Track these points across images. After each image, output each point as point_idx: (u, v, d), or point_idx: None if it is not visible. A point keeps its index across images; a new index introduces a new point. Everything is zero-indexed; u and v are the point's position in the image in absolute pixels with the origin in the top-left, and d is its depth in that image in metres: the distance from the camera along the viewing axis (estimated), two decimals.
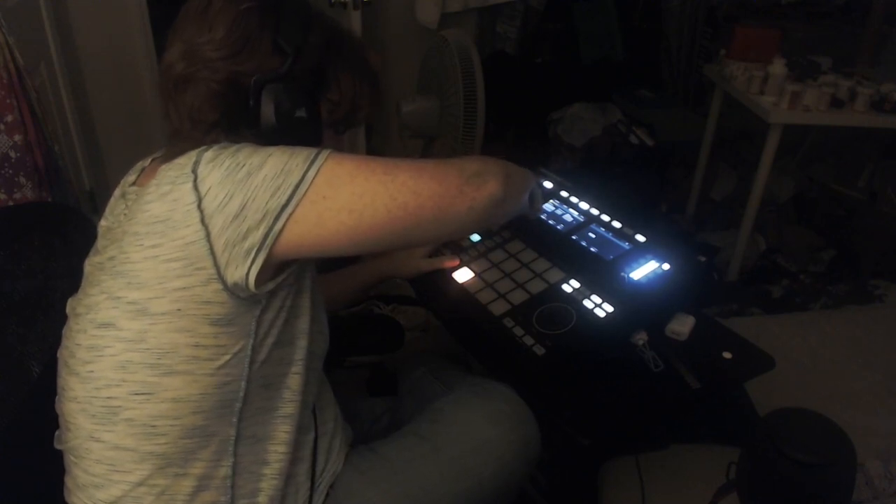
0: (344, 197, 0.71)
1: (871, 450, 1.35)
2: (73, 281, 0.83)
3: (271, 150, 0.72)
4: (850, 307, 2.24)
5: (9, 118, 1.38)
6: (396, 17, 2.79)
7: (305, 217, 0.70)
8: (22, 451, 0.90)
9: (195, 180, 0.69)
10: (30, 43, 1.63)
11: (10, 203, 1.40)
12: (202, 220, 0.68)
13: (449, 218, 0.77)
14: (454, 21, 2.78)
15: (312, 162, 0.70)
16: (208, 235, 0.68)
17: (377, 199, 0.72)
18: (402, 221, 0.73)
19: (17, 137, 1.40)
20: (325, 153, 0.72)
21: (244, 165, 0.69)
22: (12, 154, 1.40)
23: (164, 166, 0.74)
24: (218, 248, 0.69)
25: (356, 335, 1.44)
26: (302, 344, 0.83)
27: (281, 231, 0.69)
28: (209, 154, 0.71)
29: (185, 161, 0.72)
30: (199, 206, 0.68)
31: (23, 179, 1.42)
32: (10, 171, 1.40)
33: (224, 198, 0.68)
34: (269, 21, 0.78)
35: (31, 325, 0.94)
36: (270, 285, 0.74)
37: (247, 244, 0.69)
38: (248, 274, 0.70)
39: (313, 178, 0.70)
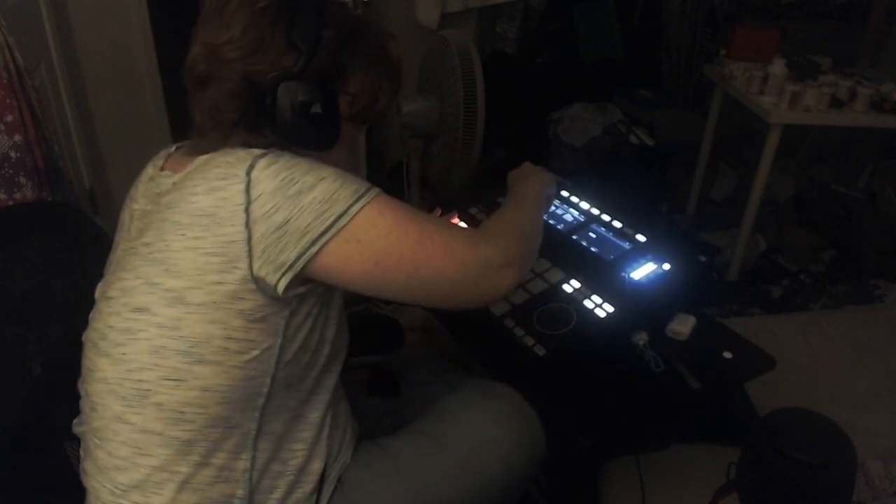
0: (374, 249, 0.75)
1: (871, 450, 1.35)
2: (73, 280, 0.83)
3: (325, 172, 0.75)
4: (850, 307, 2.24)
5: (9, 118, 1.38)
6: (396, 17, 2.79)
7: (337, 252, 0.74)
8: (22, 451, 0.90)
9: (248, 183, 0.72)
10: (30, 43, 1.63)
11: (10, 203, 1.40)
12: (246, 223, 0.72)
13: (456, 300, 0.83)
14: (454, 21, 2.78)
15: (359, 199, 0.75)
16: (249, 238, 0.72)
17: (402, 264, 0.77)
18: (415, 289, 0.80)
19: (17, 137, 1.39)
20: (372, 193, 0.76)
21: (297, 182, 0.73)
22: (12, 154, 1.40)
23: (213, 160, 0.77)
24: (256, 252, 0.72)
25: (356, 335, 1.43)
26: (325, 351, 0.85)
27: (314, 256, 0.73)
28: (265, 161, 0.74)
29: (238, 161, 0.75)
30: (246, 209, 0.72)
31: (23, 179, 1.42)
32: (10, 171, 1.40)
33: (271, 208, 0.72)
34: (283, 19, 0.79)
35: (31, 325, 0.94)
36: (300, 289, 0.77)
37: (281, 258, 0.73)
38: (276, 284, 0.73)
39: (354, 216, 0.74)
